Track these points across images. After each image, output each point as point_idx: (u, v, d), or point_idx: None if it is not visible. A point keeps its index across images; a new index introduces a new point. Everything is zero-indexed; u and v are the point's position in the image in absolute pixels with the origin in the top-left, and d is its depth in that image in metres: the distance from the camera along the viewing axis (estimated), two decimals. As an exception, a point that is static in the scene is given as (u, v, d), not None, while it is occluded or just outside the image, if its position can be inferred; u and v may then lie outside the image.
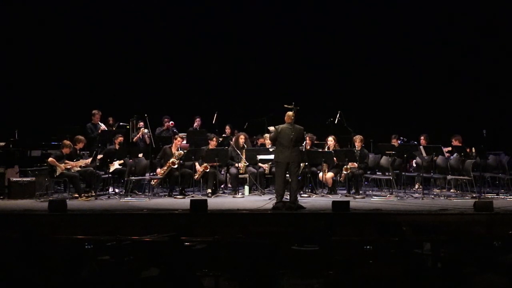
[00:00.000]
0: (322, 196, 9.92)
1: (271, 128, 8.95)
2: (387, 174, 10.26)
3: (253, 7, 13.72)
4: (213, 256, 5.55)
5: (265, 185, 10.61)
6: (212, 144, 10.35)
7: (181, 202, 9.11)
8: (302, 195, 9.64)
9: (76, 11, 13.31)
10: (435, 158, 10.33)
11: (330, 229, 6.88)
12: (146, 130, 11.27)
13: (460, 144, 10.37)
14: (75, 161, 9.75)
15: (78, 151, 10.03)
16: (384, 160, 10.40)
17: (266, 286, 5.09)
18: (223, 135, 11.67)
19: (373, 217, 7.90)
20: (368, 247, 5.44)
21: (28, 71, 13.03)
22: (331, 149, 10.24)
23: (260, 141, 11.21)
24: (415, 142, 10.97)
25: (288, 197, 8.69)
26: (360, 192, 10.06)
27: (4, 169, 10.13)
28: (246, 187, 10.22)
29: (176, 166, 9.82)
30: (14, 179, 9.89)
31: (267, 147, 10.25)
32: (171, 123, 11.65)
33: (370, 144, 11.44)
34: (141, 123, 11.42)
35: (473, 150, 10.46)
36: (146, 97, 13.10)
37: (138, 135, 11.28)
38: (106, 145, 10.75)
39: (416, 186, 10.84)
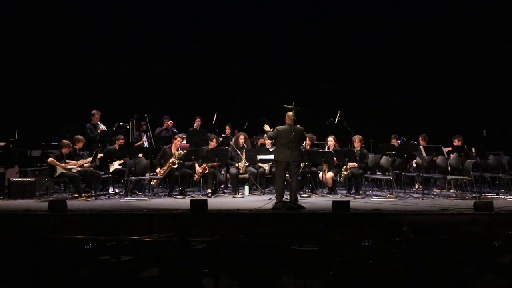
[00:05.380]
0: (322, 196, 9.92)
1: (266, 128, 8.93)
2: (387, 174, 10.25)
3: (253, 6, 13.72)
4: (213, 256, 5.55)
5: (265, 185, 10.61)
6: (212, 144, 10.35)
7: (181, 202, 9.10)
8: (302, 195, 9.63)
9: (76, 11, 13.30)
10: (435, 158, 10.33)
11: (330, 229, 6.88)
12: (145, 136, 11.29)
13: (461, 144, 10.37)
14: (76, 160, 9.75)
15: (78, 151, 10.02)
16: (384, 160, 10.39)
17: (266, 286, 5.09)
18: (223, 135, 11.66)
19: (373, 217, 7.89)
20: (367, 243, 5.44)
21: (28, 71, 13.02)
22: (331, 149, 10.24)
23: (260, 141, 11.20)
24: (415, 142, 10.97)
25: (288, 197, 8.69)
26: (360, 192, 10.06)
27: (4, 169, 10.11)
28: (246, 187, 10.22)
29: (176, 166, 9.82)
30: (14, 179, 9.88)
31: (267, 147, 10.25)
32: (170, 123, 11.64)
33: (370, 144, 11.43)
34: (144, 126, 11.41)
35: (473, 150, 10.45)
36: (146, 97, 13.10)
37: (140, 142, 11.27)
38: (106, 145, 10.75)
39: (416, 186, 10.83)
